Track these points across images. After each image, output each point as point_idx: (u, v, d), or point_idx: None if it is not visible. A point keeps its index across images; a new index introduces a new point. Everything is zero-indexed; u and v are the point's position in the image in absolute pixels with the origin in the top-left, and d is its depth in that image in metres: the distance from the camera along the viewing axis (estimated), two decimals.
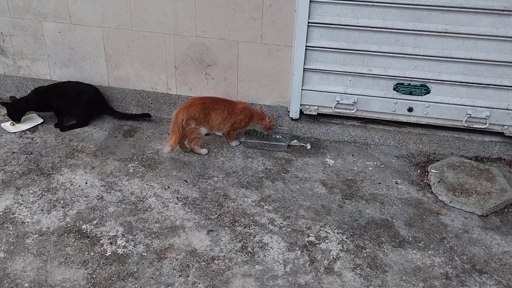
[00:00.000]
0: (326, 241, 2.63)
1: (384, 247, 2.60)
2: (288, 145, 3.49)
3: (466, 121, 3.36)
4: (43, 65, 3.84)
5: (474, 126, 3.37)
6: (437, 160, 3.34)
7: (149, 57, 3.63)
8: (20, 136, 3.50)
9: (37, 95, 3.62)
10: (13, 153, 3.30)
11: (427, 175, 3.18)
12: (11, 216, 2.73)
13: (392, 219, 2.81)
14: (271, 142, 3.49)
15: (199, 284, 2.35)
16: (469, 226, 2.78)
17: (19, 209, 2.78)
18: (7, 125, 3.59)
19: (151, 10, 3.44)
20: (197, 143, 3.31)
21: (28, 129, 3.59)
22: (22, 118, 3.64)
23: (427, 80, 3.30)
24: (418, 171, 3.27)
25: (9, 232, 2.61)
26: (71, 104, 3.61)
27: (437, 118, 3.42)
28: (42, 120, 3.68)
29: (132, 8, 3.46)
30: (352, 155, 3.42)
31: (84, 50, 3.70)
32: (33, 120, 3.70)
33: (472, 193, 2.98)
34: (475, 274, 2.46)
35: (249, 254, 2.52)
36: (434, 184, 3.07)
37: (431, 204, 2.95)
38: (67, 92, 3.62)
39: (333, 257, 2.53)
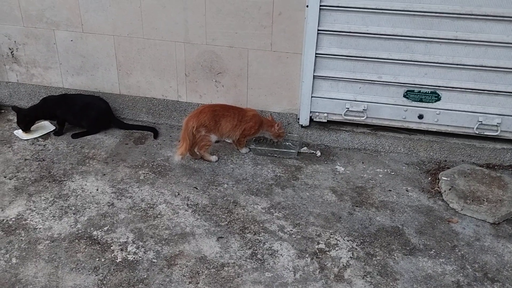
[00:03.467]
0: (336, 248, 2.62)
1: (395, 255, 2.59)
2: (298, 152, 3.49)
3: (477, 128, 3.34)
4: (55, 73, 3.89)
5: (485, 133, 3.35)
6: (448, 168, 3.32)
7: (159, 65, 3.66)
8: (33, 143, 3.54)
9: (45, 104, 3.66)
10: (25, 160, 3.34)
11: (438, 183, 3.16)
12: (23, 222, 2.75)
13: (403, 226, 2.80)
14: (281, 149, 3.49)
15: None
16: (481, 234, 2.76)
17: (31, 216, 2.81)
18: (20, 133, 3.63)
19: (162, 19, 3.48)
20: (207, 150, 3.32)
21: (41, 136, 3.63)
22: (34, 126, 3.69)
23: (437, 87, 3.29)
24: (429, 178, 3.25)
25: (21, 238, 2.64)
26: (79, 116, 3.64)
27: (447, 125, 3.40)
28: (54, 128, 3.72)
29: (143, 17, 3.50)
30: (362, 162, 3.41)
31: (96, 58, 3.75)
32: (45, 127, 3.74)
33: (484, 200, 2.96)
34: (487, 283, 2.44)
35: (259, 261, 2.52)
36: (445, 191, 3.05)
37: (442, 212, 2.93)
38: (76, 104, 3.65)
39: (343, 265, 2.52)
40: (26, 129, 3.62)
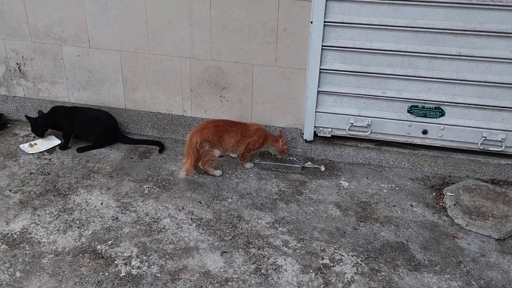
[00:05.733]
0: (341, 263, 2.61)
1: (400, 271, 2.57)
2: (302, 167, 3.49)
3: (481, 143, 3.34)
4: (61, 88, 3.92)
5: (489, 148, 3.35)
6: (453, 183, 3.32)
7: (165, 80, 3.69)
8: (38, 157, 3.56)
9: (54, 114, 3.70)
10: (31, 173, 3.36)
11: (443, 198, 3.15)
12: (28, 236, 2.76)
13: (408, 242, 2.79)
14: (285, 164, 3.50)
15: None
16: (486, 250, 2.74)
17: (35, 229, 2.81)
18: (26, 147, 3.65)
19: (167, 35, 3.52)
20: (211, 165, 3.33)
21: (46, 150, 3.65)
22: (40, 140, 3.74)
23: (441, 103, 3.30)
24: (434, 194, 3.24)
25: (25, 252, 2.64)
26: (87, 130, 3.67)
27: (452, 141, 3.40)
28: (60, 142, 3.74)
29: (149, 32, 3.54)
30: (367, 177, 3.41)
31: (102, 73, 3.78)
32: (51, 141, 3.76)
33: (489, 216, 2.95)
34: None
35: (263, 276, 2.51)
36: (450, 207, 3.04)
37: (447, 227, 2.92)
38: (84, 118, 3.68)
39: (347, 280, 2.50)
40: (42, 135, 3.76)
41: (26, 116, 3.79)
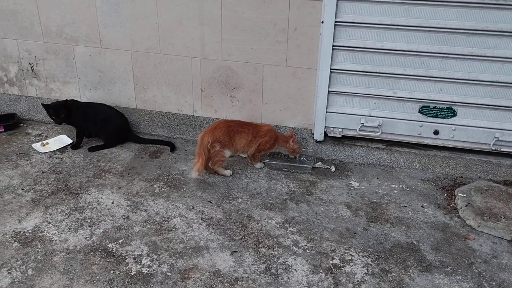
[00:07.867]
0: (351, 264, 2.60)
1: (410, 271, 2.56)
2: (313, 167, 3.48)
3: (494, 144, 3.31)
4: (73, 88, 3.95)
5: (502, 149, 3.32)
6: (464, 184, 3.29)
7: (175, 79, 3.71)
8: (50, 156, 3.59)
9: (72, 106, 3.65)
10: (43, 172, 3.38)
11: (454, 199, 3.13)
12: (40, 234, 2.78)
13: (418, 243, 2.77)
14: (295, 164, 3.49)
15: None
16: (498, 251, 2.72)
17: (47, 227, 2.83)
18: (38, 146, 3.69)
19: (178, 35, 3.53)
20: (221, 166, 3.33)
21: (58, 150, 3.68)
22: (52, 140, 3.76)
23: (453, 103, 3.28)
24: (445, 194, 3.22)
25: (37, 249, 2.66)
26: (100, 128, 3.69)
27: (464, 141, 3.38)
28: (71, 141, 3.77)
29: (160, 32, 3.55)
30: (377, 178, 3.40)
31: (113, 73, 3.81)
32: (63, 141, 3.79)
33: (501, 217, 2.92)
34: None
35: (273, 276, 2.51)
36: (461, 208, 3.02)
37: (458, 229, 2.90)
38: (98, 115, 3.70)
39: (358, 281, 2.49)
40: (61, 121, 3.62)
41: (42, 104, 3.68)
